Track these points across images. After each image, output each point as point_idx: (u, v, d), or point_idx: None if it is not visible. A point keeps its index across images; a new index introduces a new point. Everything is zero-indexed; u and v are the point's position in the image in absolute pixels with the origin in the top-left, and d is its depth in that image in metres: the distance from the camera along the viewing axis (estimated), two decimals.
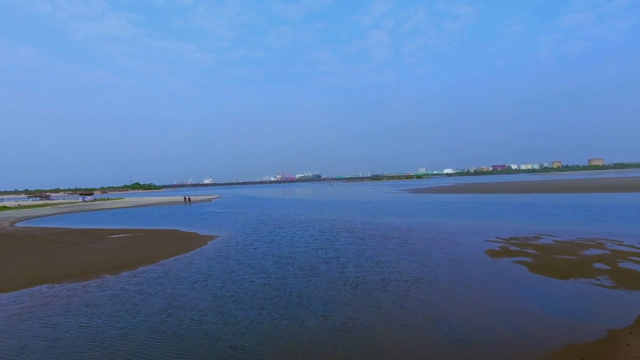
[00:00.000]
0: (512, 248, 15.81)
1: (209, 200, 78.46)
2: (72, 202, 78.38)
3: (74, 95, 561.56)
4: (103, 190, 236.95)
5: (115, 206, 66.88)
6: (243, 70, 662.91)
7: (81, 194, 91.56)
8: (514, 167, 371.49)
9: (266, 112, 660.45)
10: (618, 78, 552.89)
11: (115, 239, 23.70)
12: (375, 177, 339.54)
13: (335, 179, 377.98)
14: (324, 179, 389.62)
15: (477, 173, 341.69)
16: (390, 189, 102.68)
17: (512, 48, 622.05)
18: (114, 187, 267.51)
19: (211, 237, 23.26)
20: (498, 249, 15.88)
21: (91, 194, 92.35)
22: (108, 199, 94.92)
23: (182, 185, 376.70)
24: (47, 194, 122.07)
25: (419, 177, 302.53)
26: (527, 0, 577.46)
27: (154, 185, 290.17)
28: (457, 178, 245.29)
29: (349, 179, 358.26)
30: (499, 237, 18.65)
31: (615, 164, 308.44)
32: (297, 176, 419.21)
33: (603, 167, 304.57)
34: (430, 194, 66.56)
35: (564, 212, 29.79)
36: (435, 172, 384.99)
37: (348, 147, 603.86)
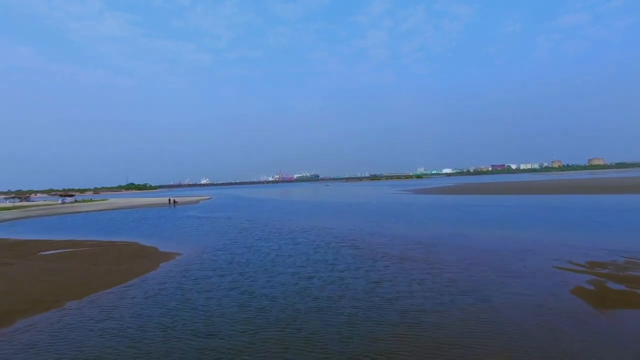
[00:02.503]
0: (613, 286, 10.11)
1: (197, 202, 72.49)
2: (49, 204, 72.05)
3: (73, 95, 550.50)
4: (96, 190, 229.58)
5: (92, 209, 60.85)
6: (241, 70, 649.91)
7: (61, 195, 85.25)
8: (513, 166, 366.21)
9: (265, 112, 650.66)
10: (616, 78, 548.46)
11: (42, 258, 17.90)
12: (374, 177, 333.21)
13: (334, 179, 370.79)
14: (322, 179, 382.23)
15: (477, 173, 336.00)
16: (391, 189, 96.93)
17: (511, 48, 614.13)
18: (108, 188, 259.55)
19: (169, 256, 17.49)
20: (589, 286, 10.21)
21: (72, 196, 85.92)
22: (91, 200, 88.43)
23: (179, 185, 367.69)
24: (27, 195, 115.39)
25: (418, 177, 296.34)
26: (525, 0, 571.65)
27: (150, 186, 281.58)
28: (457, 178, 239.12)
29: (348, 179, 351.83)
30: (570, 261, 13.00)
31: (617, 164, 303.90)
32: (296, 176, 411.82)
33: (604, 167, 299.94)
34: (436, 195, 61.07)
35: (614, 218, 24.17)
36: (434, 172, 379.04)
37: (347, 147, 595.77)
